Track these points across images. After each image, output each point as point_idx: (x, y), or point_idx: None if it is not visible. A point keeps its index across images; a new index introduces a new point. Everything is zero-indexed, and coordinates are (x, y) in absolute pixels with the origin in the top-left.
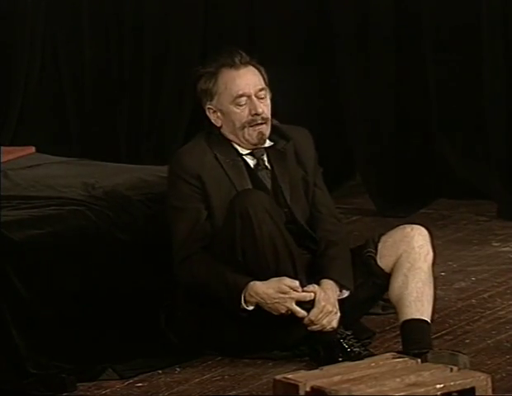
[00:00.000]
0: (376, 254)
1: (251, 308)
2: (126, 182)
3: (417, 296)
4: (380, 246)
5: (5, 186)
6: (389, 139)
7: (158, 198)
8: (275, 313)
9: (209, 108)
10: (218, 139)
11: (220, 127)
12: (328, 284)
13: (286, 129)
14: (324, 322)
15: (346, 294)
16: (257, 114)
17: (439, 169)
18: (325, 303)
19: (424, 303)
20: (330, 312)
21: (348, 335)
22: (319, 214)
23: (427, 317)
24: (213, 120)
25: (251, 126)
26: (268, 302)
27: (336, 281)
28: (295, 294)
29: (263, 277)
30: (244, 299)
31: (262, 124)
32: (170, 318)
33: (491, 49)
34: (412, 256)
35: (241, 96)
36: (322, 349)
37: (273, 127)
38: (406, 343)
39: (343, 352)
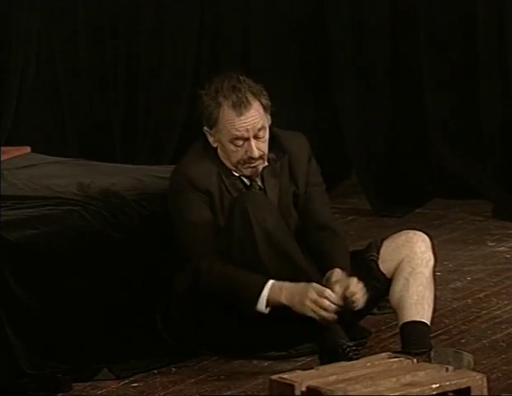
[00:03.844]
0: (378, 258)
1: (267, 310)
2: (122, 182)
3: (417, 299)
4: (382, 250)
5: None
6: (385, 139)
7: (154, 198)
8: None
9: (207, 131)
10: (215, 156)
11: (216, 148)
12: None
13: (282, 137)
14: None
15: None
16: (252, 158)
17: (435, 169)
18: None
19: (424, 306)
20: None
21: (350, 346)
22: (312, 221)
23: (427, 319)
24: (210, 141)
25: (246, 164)
26: (296, 300)
27: (342, 269)
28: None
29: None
30: (267, 301)
31: (256, 162)
32: (166, 318)
33: (487, 49)
34: (414, 261)
35: (239, 138)
36: (327, 356)
37: (270, 138)
38: (406, 344)
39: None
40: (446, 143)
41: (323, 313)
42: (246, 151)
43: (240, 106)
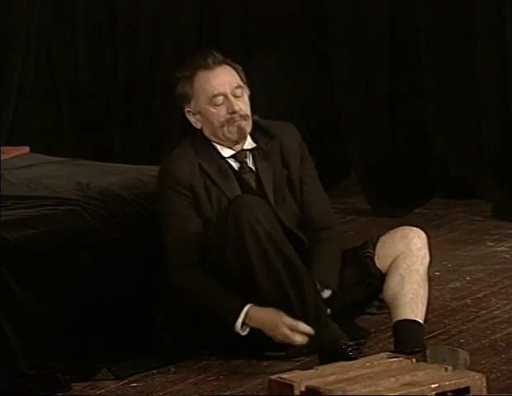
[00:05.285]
0: (374, 255)
1: (246, 332)
2: (121, 182)
3: (412, 297)
4: (378, 246)
5: None
6: (384, 139)
7: (153, 198)
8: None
9: (188, 111)
10: (202, 143)
11: (201, 129)
12: None
13: (270, 126)
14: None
15: (328, 293)
16: (234, 112)
17: (434, 169)
18: None
19: (418, 304)
20: None
21: (351, 345)
22: (307, 214)
23: (420, 318)
24: (193, 123)
25: (230, 124)
26: (266, 330)
27: (319, 280)
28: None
29: (253, 281)
30: (243, 322)
31: (240, 120)
32: (165, 318)
33: (486, 48)
34: (409, 258)
35: (217, 95)
36: (327, 355)
37: (256, 125)
38: (398, 343)
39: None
40: (445, 143)
41: (295, 343)
42: (227, 108)
43: (212, 64)
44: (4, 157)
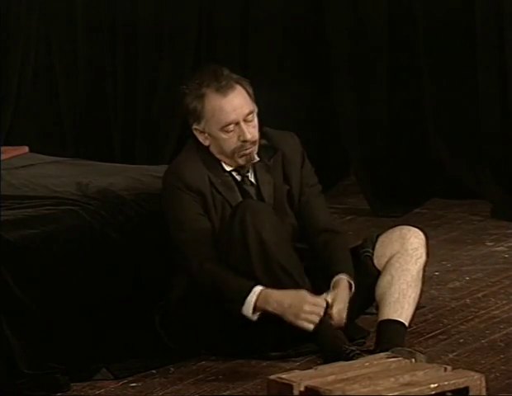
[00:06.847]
0: (373, 254)
1: (256, 316)
2: (120, 182)
3: (398, 298)
4: (377, 245)
5: None
6: (383, 138)
7: (152, 198)
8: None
9: (196, 129)
10: (208, 157)
11: (208, 146)
12: (343, 282)
13: (273, 136)
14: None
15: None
16: (245, 141)
17: (433, 169)
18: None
19: (404, 305)
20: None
21: (353, 350)
22: (312, 220)
23: (404, 319)
24: (201, 140)
25: (240, 151)
26: (286, 308)
27: (349, 276)
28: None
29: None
30: (254, 307)
31: (250, 148)
32: (165, 318)
33: (486, 50)
34: (403, 258)
35: (229, 123)
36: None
37: (261, 138)
38: (377, 342)
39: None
40: (445, 143)
41: (317, 320)
42: (239, 136)
43: (224, 88)
44: (3, 157)
